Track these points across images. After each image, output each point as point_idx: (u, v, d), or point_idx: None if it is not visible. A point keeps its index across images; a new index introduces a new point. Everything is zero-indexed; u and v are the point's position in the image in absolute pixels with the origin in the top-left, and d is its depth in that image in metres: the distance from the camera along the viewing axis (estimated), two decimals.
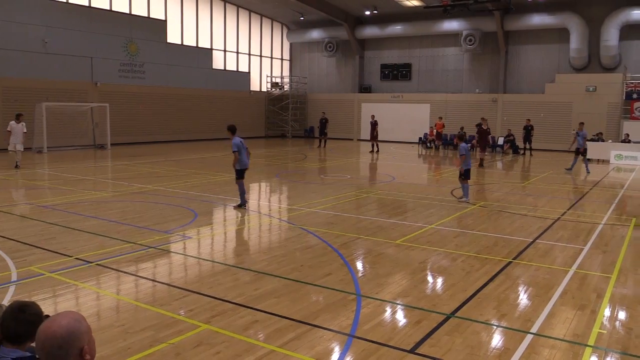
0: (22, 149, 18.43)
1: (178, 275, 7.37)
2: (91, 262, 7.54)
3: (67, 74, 26.88)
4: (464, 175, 13.19)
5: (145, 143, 29.80)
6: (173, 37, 33.70)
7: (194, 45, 35.22)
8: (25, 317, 2.66)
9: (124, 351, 4.86)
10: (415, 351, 5.00)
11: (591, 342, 5.30)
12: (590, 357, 5.00)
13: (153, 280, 6.97)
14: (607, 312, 6.15)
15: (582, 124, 21.63)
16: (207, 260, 8.06)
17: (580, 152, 20.90)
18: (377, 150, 28.53)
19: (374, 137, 29.11)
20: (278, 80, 41.12)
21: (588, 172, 20.59)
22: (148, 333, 5.27)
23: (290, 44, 42.87)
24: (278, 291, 6.55)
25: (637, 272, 7.71)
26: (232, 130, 12.05)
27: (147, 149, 27.08)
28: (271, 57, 41.67)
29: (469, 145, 14.64)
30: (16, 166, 18.00)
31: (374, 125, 29.20)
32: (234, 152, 11.77)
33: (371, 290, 6.66)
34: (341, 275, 7.23)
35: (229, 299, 6.23)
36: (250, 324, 5.53)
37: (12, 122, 18.41)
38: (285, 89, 40.51)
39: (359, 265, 7.96)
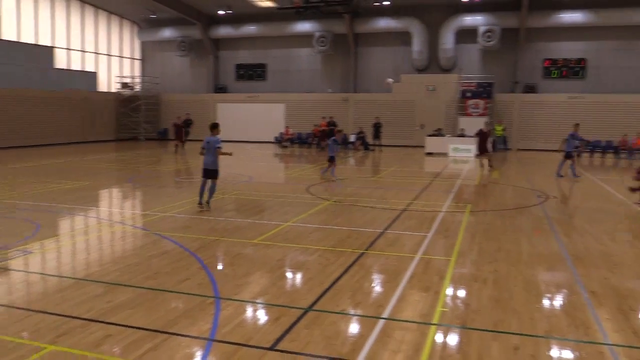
0: None
1: (19, 294, 6.75)
2: None
3: None
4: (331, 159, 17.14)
5: None
6: (8, 33, 30.71)
7: (33, 42, 32.37)
8: None
9: None
10: (275, 348, 5.08)
11: (435, 320, 5.77)
12: (435, 334, 5.43)
13: None
14: (448, 291, 6.73)
15: (577, 125, 19.27)
16: (52, 275, 7.48)
17: (570, 155, 18.59)
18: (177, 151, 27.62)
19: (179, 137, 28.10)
20: (129, 80, 39.21)
21: (575, 176, 18.54)
22: None
23: (142, 43, 41.11)
24: (133, 302, 6.28)
25: (473, 253, 8.52)
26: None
27: None
28: (121, 57, 39.63)
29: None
30: None
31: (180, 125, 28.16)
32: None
33: (230, 292, 6.64)
34: (199, 279, 7.12)
35: (77, 314, 5.84)
36: (102, 340, 5.24)
37: None
38: (136, 90, 38.76)
39: (217, 267, 7.89)
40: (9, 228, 10.14)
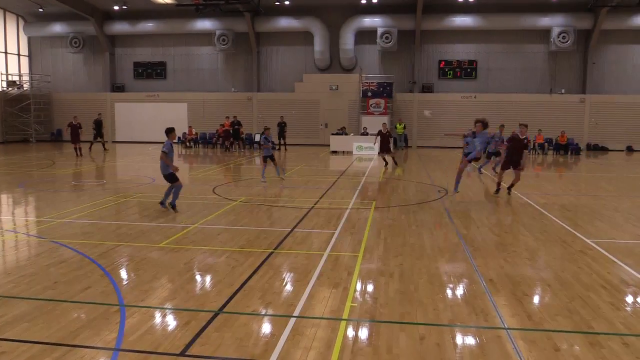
0: None
1: None
2: None
3: None
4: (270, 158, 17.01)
5: None
6: None
7: None
8: None
9: None
10: (186, 353, 4.98)
11: (345, 315, 5.90)
12: (346, 329, 5.55)
13: None
14: (357, 286, 6.89)
15: (502, 126, 19.69)
16: None
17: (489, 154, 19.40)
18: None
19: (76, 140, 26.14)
20: (15, 78, 36.58)
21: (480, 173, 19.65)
22: None
23: (29, 38, 38.46)
24: (29, 314, 5.89)
25: (379, 249, 8.79)
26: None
27: None
28: (5, 52, 36.88)
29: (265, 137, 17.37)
30: None
31: (77, 127, 26.24)
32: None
33: (136, 299, 6.41)
34: (102, 287, 6.81)
35: None
36: None
37: None
38: (25, 88, 36.26)
39: (121, 273, 7.57)
40: None
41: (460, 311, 6.08)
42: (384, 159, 21.71)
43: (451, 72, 34.41)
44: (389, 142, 21.72)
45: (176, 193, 11.85)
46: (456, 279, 7.32)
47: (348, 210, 12.09)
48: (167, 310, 6.12)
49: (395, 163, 21.76)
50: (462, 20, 32.77)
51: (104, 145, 29.09)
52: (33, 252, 8.78)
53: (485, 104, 33.06)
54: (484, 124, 14.04)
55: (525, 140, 14.32)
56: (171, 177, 11.77)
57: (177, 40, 36.57)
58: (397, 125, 32.80)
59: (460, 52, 34.27)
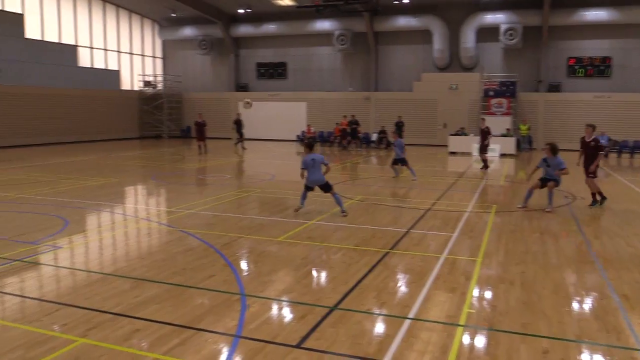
0: None
1: (49, 288, 6.87)
2: None
3: None
4: (401, 162, 17.06)
5: (3, 147, 27.30)
6: (32, 32, 31.23)
7: (57, 41, 32.89)
8: None
9: None
10: (302, 346, 5.09)
11: (462, 321, 5.72)
12: (462, 336, 5.38)
13: (21, 296, 6.44)
14: (475, 292, 6.66)
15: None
16: (81, 270, 7.58)
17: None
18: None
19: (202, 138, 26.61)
20: (151, 78, 39.60)
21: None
22: (17, 353, 4.87)
23: (163, 42, 41.47)
24: (159, 297, 6.34)
25: (499, 255, 8.42)
26: (309, 146, 11.80)
27: (6, 154, 24.86)
28: (142, 55, 40.04)
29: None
30: None
31: (202, 125, 26.78)
32: (302, 169, 11.55)
33: (255, 289, 6.67)
34: (224, 276, 7.16)
35: (106, 309, 5.92)
36: (131, 334, 5.31)
37: None
38: (158, 88, 39.12)
39: (242, 264, 7.93)
40: (39, 223, 10.31)
41: (588, 327, 5.66)
42: (483, 161, 20.63)
43: (582, 70, 32.12)
44: (485, 140, 20.49)
45: (337, 200, 11.56)
46: (585, 291, 6.83)
47: (467, 213, 11.72)
48: (284, 302, 6.30)
49: (486, 167, 20.45)
50: (595, 15, 30.43)
51: (242, 143, 29.80)
52: (164, 239, 9.45)
53: (621, 104, 30.52)
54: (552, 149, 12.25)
55: (593, 143, 12.58)
56: (326, 186, 11.57)
57: (297, 41, 37.53)
58: (521, 127, 31.20)
59: (592, 48, 31.88)
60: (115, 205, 12.70)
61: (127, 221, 11.02)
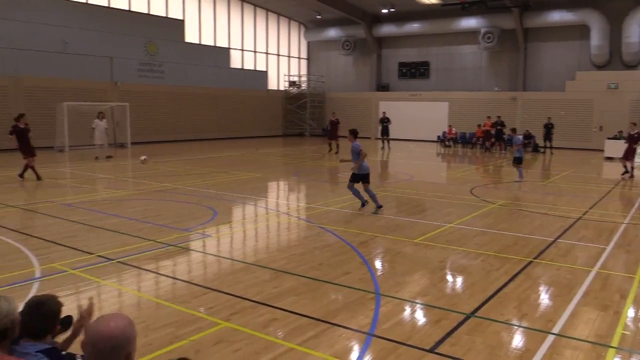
0: (104, 144, 21.73)
1: (197, 272, 7.43)
2: (112, 260, 7.63)
3: (86, 74, 27.16)
4: (517, 161, 16.70)
5: (164, 142, 30.03)
6: (191, 36, 33.95)
7: (212, 44, 35.45)
8: (41, 313, 2.87)
9: (145, 347, 4.90)
10: (435, 350, 4.97)
11: (615, 343, 5.22)
12: (613, 358, 4.92)
13: (173, 278, 7.03)
14: (630, 313, 6.06)
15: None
16: (226, 258, 8.10)
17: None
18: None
19: (334, 136, 26.47)
20: (295, 79, 41.17)
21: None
22: (168, 330, 5.31)
23: (308, 43, 42.91)
24: (297, 289, 6.56)
25: None
26: (354, 134, 11.78)
27: (166, 147, 27.29)
28: (288, 56, 41.77)
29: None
30: (96, 158, 21.26)
31: (335, 123, 26.58)
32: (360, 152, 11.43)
33: (390, 289, 6.63)
34: (360, 274, 7.22)
35: (248, 296, 6.25)
36: (269, 322, 5.55)
37: (96, 120, 21.76)
38: (302, 88, 40.55)
39: (378, 263, 7.94)
40: (191, 212, 11.19)
41: None
42: (624, 166, 18.57)
43: None
44: (635, 145, 18.60)
45: (372, 196, 11.47)
46: None
47: (624, 225, 10.68)
48: (418, 304, 6.20)
49: (628, 172, 18.34)
50: None
51: (387, 143, 29.93)
52: (302, 234, 9.77)
53: None
54: None
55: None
56: (363, 177, 11.51)
57: (441, 40, 36.74)
58: None
59: None
60: (259, 199, 13.38)
61: (269, 215, 11.56)
